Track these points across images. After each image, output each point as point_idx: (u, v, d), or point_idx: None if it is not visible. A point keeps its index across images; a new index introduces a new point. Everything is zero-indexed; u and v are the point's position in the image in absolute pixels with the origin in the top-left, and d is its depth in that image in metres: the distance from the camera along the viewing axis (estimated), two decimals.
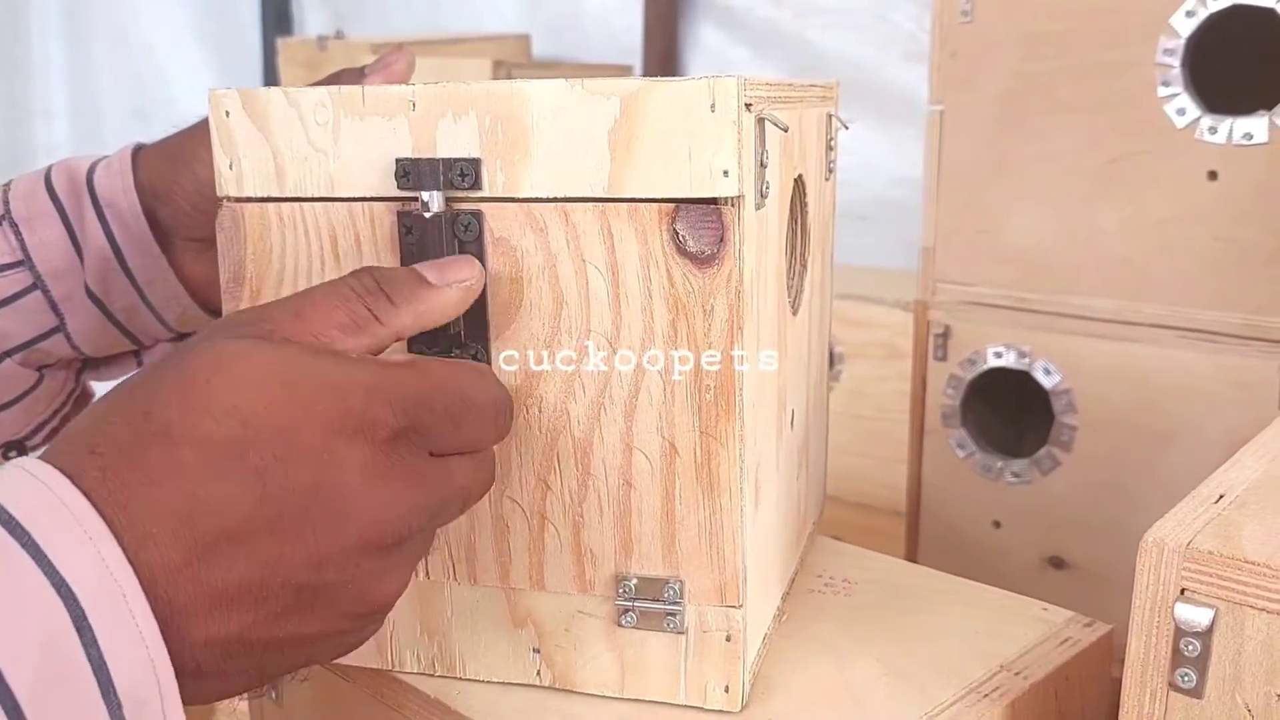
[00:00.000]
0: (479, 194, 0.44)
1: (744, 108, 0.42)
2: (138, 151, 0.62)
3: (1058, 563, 0.87)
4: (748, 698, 0.50)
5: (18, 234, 0.60)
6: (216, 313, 0.64)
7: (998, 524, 0.90)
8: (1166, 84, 0.77)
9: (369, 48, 1.75)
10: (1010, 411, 0.91)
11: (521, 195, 0.44)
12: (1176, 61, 0.76)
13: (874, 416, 1.24)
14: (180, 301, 0.62)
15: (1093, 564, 0.86)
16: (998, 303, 0.87)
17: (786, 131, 0.46)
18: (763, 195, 0.45)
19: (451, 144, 0.44)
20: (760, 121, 0.44)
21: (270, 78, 2.36)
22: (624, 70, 1.85)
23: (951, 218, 0.88)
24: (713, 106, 0.42)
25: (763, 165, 0.44)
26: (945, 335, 0.90)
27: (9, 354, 0.60)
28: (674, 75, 1.69)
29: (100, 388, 0.67)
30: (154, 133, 0.63)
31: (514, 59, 1.77)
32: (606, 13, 1.97)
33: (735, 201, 0.43)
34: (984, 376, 0.89)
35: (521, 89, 0.43)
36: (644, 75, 1.89)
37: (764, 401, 0.49)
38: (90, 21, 2.45)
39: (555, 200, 0.44)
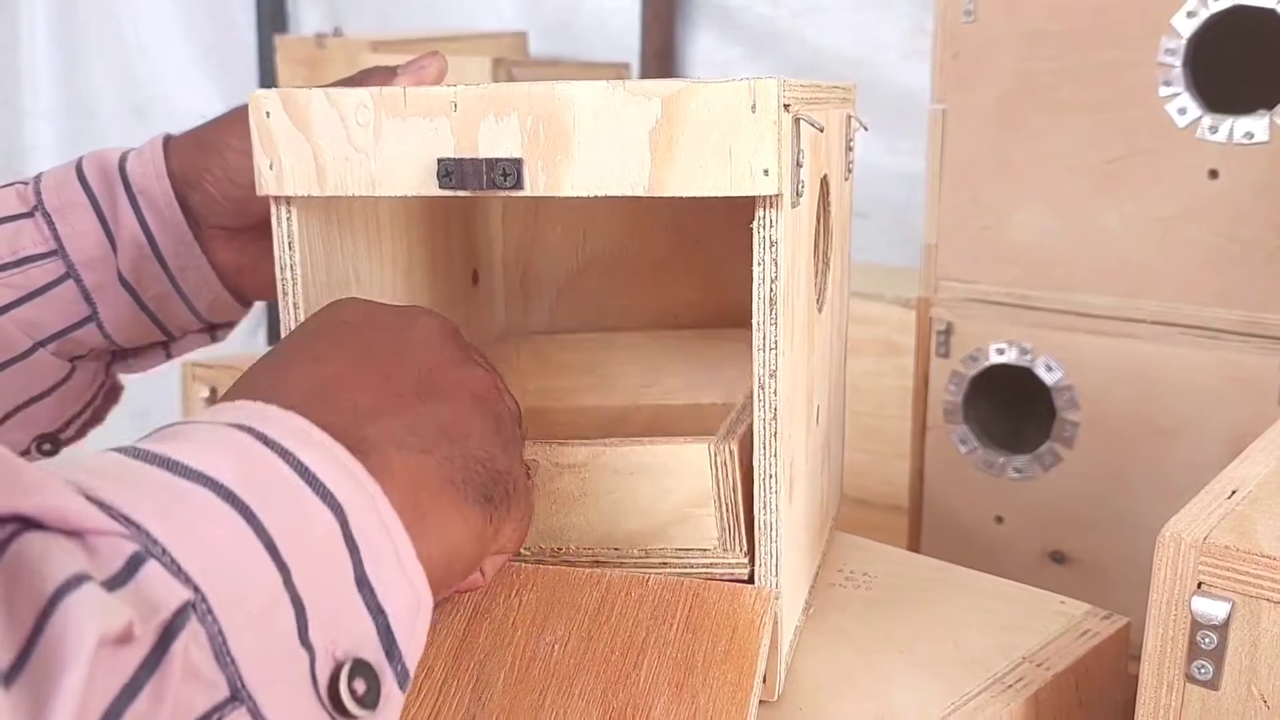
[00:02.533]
0: (521, 193, 0.45)
1: (783, 108, 0.43)
2: (168, 141, 0.63)
3: (1059, 557, 0.88)
4: (782, 687, 0.51)
5: (50, 224, 0.60)
6: (246, 300, 0.65)
7: (1000, 519, 0.91)
8: (1168, 83, 0.78)
9: (368, 45, 1.75)
10: (1010, 408, 0.92)
11: (563, 194, 0.45)
12: (1178, 61, 0.77)
13: (872, 413, 1.25)
14: (211, 288, 0.63)
15: (1094, 558, 0.87)
16: (1000, 300, 0.88)
17: (822, 131, 0.47)
18: (798, 194, 0.46)
19: (494, 144, 0.45)
20: (796, 121, 0.44)
21: (266, 74, 2.36)
22: (622, 68, 1.85)
23: (954, 216, 0.89)
24: (753, 107, 0.42)
25: (799, 164, 0.45)
26: (947, 332, 0.91)
27: (42, 344, 0.61)
28: (671, 74, 1.69)
29: (129, 380, 0.68)
30: (151, 130, 0.64)
31: (511, 57, 1.77)
32: (604, 11, 1.97)
33: (774, 200, 0.44)
34: (984, 373, 0.90)
35: (563, 90, 0.44)
36: (641, 74, 1.90)
37: (796, 397, 0.50)
38: (82, 19, 2.44)
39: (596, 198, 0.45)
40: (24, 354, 0.61)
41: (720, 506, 0.50)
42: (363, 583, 0.35)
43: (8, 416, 0.63)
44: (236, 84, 2.40)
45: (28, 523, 0.29)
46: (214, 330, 0.67)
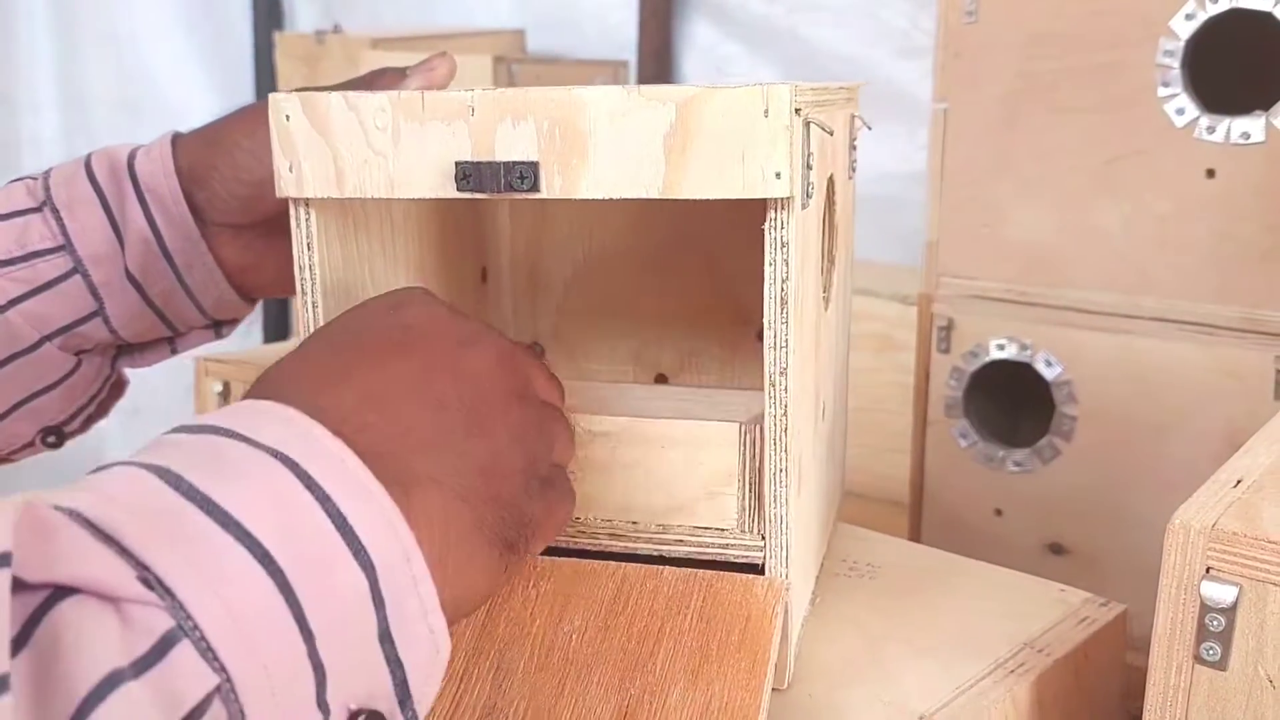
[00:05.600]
0: (538, 195, 0.46)
1: (795, 113, 0.44)
2: (176, 139, 0.63)
3: (1057, 549, 0.89)
4: (793, 675, 0.52)
5: (59, 219, 0.61)
6: (251, 298, 0.66)
7: (999, 512, 0.92)
8: (1166, 84, 0.79)
9: (368, 42, 1.76)
10: (1009, 402, 0.93)
11: (579, 196, 0.46)
12: (1176, 62, 0.78)
13: (868, 408, 1.26)
14: (217, 285, 0.64)
15: (1092, 550, 0.88)
16: (1000, 296, 0.89)
17: (832, 135, 0.48)
18: (808, 195, 0.47)
19: (510, 148, 0.46)
20: (807, 125, 0.45)
21: (263, 71, 2.35)
22: (620, 66, 1.86)
23: (955, 213, 0.90)
24: (766, 112, 0.43)
25: (809, 167, 0.46)
26: (948, 328, 0.92)
27: (49, 338, 0.62)
28: (668, 71, 1.68)
29: (134, 375, 0.69)
30: (146, 126, 0.65)
31: (509, 54, 1.78)
32: (600, 8, 1.97)
33: (785, 202, 0.45)
34: (984, 368, 0.91)
35: (580, 95, 0.45)
36: (639, 70, 1.90)
37: (805, 393, 0.51)
38: (78, 14, 2.44)
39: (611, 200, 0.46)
40: (31, 347, 0.62)
41: (744, 486, 0.51)
42: (385, 638, 0.35)
43: (14, 409, 0.64)
44: (232, 80, 2.39)
45: (63, 588, 0.30)
46: (219, 326, 0.68)
